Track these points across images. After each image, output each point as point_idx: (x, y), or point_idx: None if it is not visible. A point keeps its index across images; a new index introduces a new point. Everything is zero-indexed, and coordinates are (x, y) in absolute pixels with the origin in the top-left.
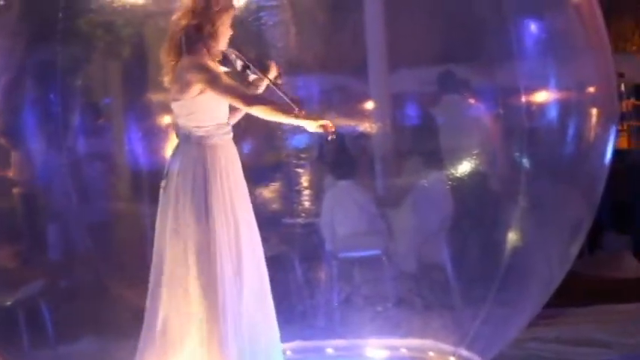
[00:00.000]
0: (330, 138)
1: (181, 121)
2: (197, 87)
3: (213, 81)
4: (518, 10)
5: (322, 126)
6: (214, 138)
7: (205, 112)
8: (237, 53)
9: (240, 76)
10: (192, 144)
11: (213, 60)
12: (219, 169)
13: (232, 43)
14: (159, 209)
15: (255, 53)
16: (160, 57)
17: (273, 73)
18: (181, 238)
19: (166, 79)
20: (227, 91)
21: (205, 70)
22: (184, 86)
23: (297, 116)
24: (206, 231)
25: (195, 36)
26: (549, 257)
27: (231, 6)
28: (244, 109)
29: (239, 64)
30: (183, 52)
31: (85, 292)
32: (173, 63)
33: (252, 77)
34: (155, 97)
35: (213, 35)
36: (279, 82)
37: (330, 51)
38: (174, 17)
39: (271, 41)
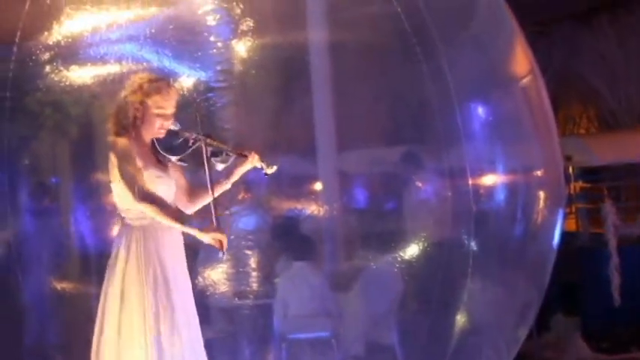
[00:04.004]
0: (220, 255)
1: (117, 203)
2: (115, 170)
3: (117, 165)
4: (465, 94)
5: (216, 240)
6: (144, 221)
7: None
8: (199, 137)
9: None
10: (125, 226)
11: (140, 146)
12: (149, 252)
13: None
14: (102, 289)
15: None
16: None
17: (255, 161)
18: (114, 321)
19: None
20: (123, 178)
21: (115, 153)
22: (110, 169)
23: (187, 226)
24: (133, 317)
25: (122, 120)
26: (497, 339)
27: (161, 90)
28: (134, 204)
29: (207, 149)
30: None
31: None
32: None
33: (220, 166)
34: (103, 176)
35: (141, 119)
36: (267, 168)
37: (278, 132)
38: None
39: (219, 122)
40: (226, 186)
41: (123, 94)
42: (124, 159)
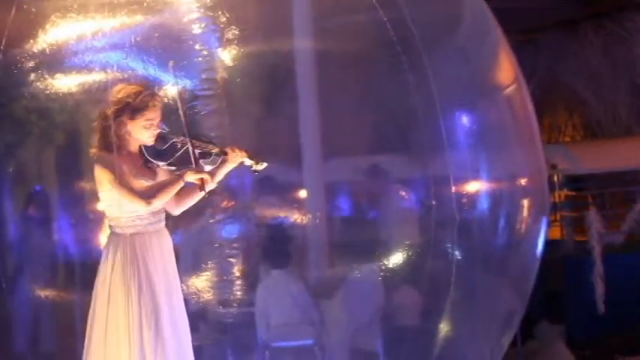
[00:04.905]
0: (203, 192)
1: (107, 214)
2: (106, 183)
3: (112, 181)
4: (449, 102)
5: (200, 179)
6: (134, 228)
7: (122, 204)
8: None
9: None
10: (114, 234)
11: (127, 156)
12: (136, 260)
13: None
14: (92, 297)
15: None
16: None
17: (238, 157)
18: (101, 329)
19: None
20: (124, 192)
21: (107, 169)
22: (97, 181)
23: (182, 178)
24: (119, 322)
25: (107, 133)
26: (481, 347)
27: (148, 105)
28: (147, 209)
29: (195, 150)
30: (100, 148)
31: None
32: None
33: (208, 167)
34: (89, 184)
35: (129, 134)
36: (256, 165)
37: (264, 140)
38: (98, 112)
39: (205, 130)
40: (212, 186)
41: (108, 110)
42: (117, 172)
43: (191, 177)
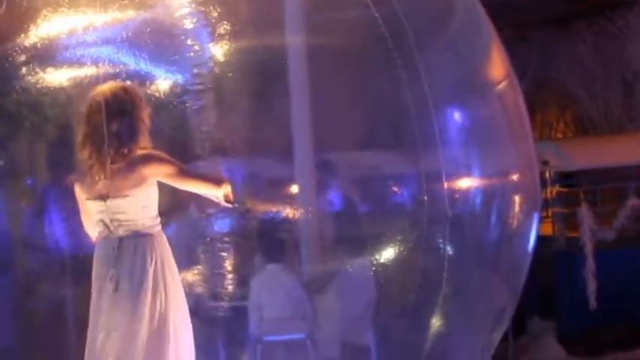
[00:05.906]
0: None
1: (127, 216)
2: (152, 179)
3: (180, 171)
4: (442, 98)
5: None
6: (158, 227)
7: (154, 203)
8: None
9: None
10: (141, 236)
11: None
12: (167, 257)
13: None
14: (107, 306)
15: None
16: (83, 156)
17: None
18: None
19: (101, 178)
20: (198, 179)
21: (168, 161)
22: (138, 181)
23: (219, 185)
24: (162, 320)
25: (134, 131)
26: (472, 343)
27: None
28: (216, 192)
29: None
30: (122, 148)
31: None
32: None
33: None
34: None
35: (145, 128)
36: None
37: (255, 135)
38: (92, 113)
39: (196, 125)
40: None
41: (140, 106)
42: (177, 163)
43: (227, 189)
